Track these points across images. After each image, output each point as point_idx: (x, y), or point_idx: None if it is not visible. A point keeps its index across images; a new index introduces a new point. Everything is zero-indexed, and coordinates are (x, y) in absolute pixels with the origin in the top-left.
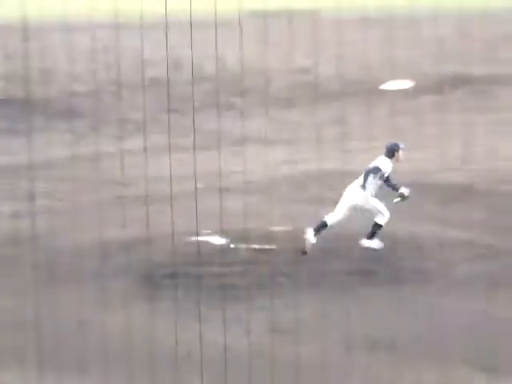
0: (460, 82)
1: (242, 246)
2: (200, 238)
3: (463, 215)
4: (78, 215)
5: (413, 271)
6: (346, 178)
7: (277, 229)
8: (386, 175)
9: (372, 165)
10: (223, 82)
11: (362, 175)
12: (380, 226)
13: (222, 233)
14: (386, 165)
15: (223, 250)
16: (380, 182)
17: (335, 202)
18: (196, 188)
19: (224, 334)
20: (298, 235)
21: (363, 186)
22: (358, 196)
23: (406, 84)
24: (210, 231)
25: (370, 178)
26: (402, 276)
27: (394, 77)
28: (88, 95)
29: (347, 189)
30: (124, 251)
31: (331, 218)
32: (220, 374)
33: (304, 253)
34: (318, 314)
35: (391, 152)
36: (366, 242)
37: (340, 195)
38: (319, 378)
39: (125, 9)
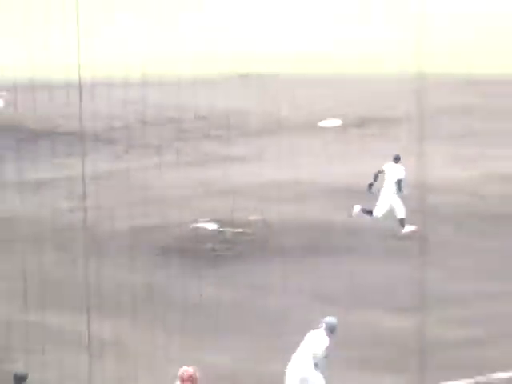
0: (372, 121)
1: (228, 229)
2: (199, 225)
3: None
4: (114, 211)
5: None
6: (296, 185)
7: (252, 218)
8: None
9: (393, 171)
10: (213, 120)
11: (395, 182)
12: (403, 218)
13: (215, 221)
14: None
15: (215, 232)
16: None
17: (288, 200)
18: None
19: (217, 288)
20: (266, 223)
21: (400, 191)
22: (393, 198)
23: (337, 122)
24: (206, 219)
25: (402, 183)
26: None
27: (328, 117)
28: (122, 129)
29: (382, 191)
30: (149, 234)
31: (376, 212)
32: (213, 314)
33: (350, 216)
34: (276, 274)
35: (399, 159)
36: (404, 229)
37: (293, 196)
38: (271, 319)
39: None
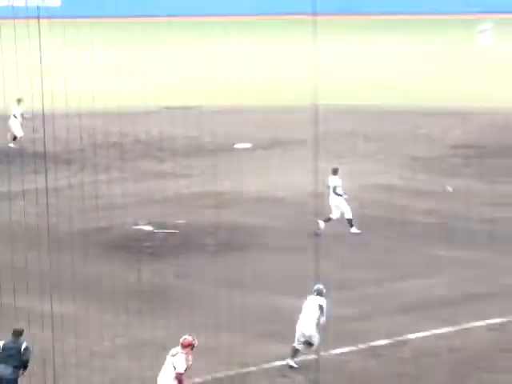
0: (277, 143)
1: (161, 230)
2: (138, 227)
3: None
4: (71, 216)
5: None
6: (216, 195)
7: (180, 221)
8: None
9: (332, 183)
10: (148, 144)
11: (336, 188)
12: (351, 219)
13: (151, 224)
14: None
15: (151, 233)
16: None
17: (208, 207)
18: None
19: (153, 276)
20: (192, 226)
21: (339, 195)
22: (337, 200)
23: (247, 145)
24: (144, 222)
25: (339, 189)
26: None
27: (241, 141)
28: (77, 152)
29: (330, 198)
30: (99, 234)
31: (334, 216)
32: (150, 298)
33: (317, 234)
34: (198, 265)
35: (336, 172)
36: (352, 229)
37: (213, 204)
38: (195, 301)
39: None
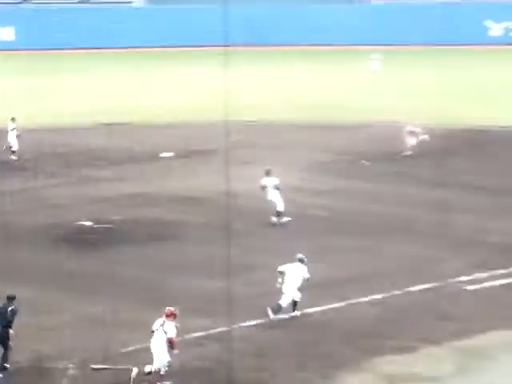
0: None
1: (100, 225)
2: (81, 223)
3: None
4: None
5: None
6: (145, 195)
7: (115, 218)
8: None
9: (269, 182)
10: (89, 154)
11: (275, 186)
12: (281, 211)
13: (91, 220)
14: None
15: (91, 227)
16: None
17: (139, 205)
18: None
19: (94, 262)
20: (125, 221)
21: (278, 189)
22: (275, 195)
23: (171, 154)
24: (86, 219)
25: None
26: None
27: (165, 151)
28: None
29: (269, 194)
30: (49, 228)
31: (279, 209)
32: (91, 280)
33: (275, 224)
34: (130, 253)
35: (270, 173)
36: (282, 219)
37: (142, 203)
38: (128, 283)
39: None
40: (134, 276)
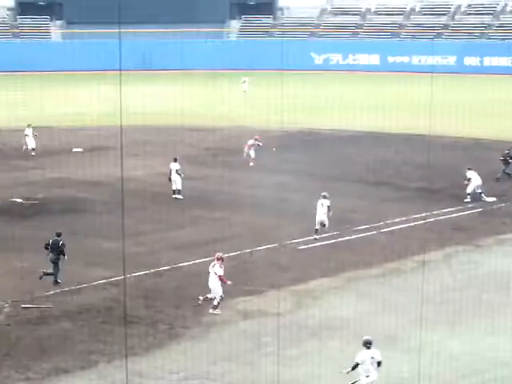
0: (98, 148)
1: (28, 201)
2: (13, 199)
3: None
4: None
5: None
6: (59, 179)
7: (39, 196)
8: None
9: (174, 166)
10: (20, 151)
11: (178, 170)
12: (180, 189)
13: (21, 197)
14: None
15: (21, 203)
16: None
17: (58, 187)
18: None
19: (25, 230)
20: (47, 198)
21: (179, 174)
22: (177, 177)
23: (80, 149)
24: (17, 197)
25: (180, 171)
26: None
27: (76, 147)
28: None
29: (172, 176)
30: None
31: (173, 187)
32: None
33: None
34: (54, 222)
35: (176, 160)
36: (179, 196)
37: (60, 185)
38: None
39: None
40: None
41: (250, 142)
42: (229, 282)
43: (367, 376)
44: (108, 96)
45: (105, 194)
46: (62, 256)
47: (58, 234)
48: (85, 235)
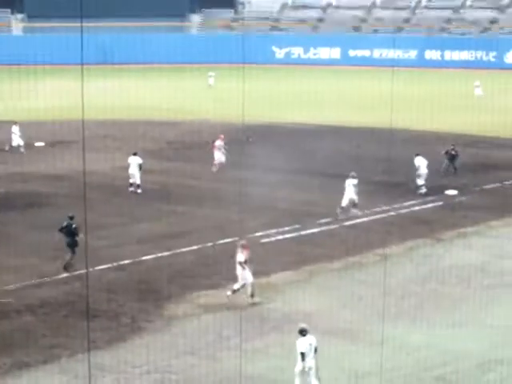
0: (60, 142)
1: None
2: None
3: None
4: None
5: None
6: (21, 174)
7: (1, 190)
8: None
9: (134, 161)
10: None
11: (139, 165)
12: (139, 184)
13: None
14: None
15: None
16: None
17: (22, 182)
18: None
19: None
20: (9, 193)
21: (140, 169)
22: (135, 171)
23: (42, 143)
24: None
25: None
26: None
27: (38, 141)
28: None
29: (130, 169)
30: None
31: (131, 181)
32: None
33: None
34: (14, 218)
35: (136, 154)
36: (138, 191)
37: (22, 180)
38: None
39: None
40: (16, 233)
41: (218, 142)
42: (246, 268)
43: (305, 362)
44: (70, 90)
45: (67, 187)
46: (77, 240)
47: (71, 218)
48: (47, 229)
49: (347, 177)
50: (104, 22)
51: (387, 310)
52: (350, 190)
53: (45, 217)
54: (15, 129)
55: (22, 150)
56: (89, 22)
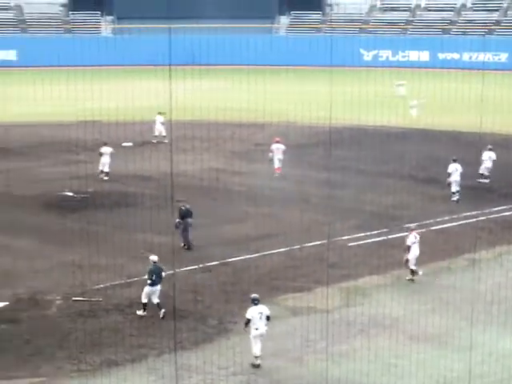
0: (148, 143)
1: (79, 195)
2: (64, 193)
3: None
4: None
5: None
6: (109, 174)
7: (89, 190)
8: None
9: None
10: (71, 144)
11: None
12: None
13: (71, 191)
14: None
15: (72, 196)
16: None
17: (110, 181)
18: None
19: (75, 222)
20: (96, 192)
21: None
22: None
23: (130, 143)
24: (67, 190)
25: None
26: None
27: (126, 141)
28: None
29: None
30: (41, 197)
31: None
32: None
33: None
34: (102, 217)
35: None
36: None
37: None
38: (99, 237)
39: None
40: (103, 232)
41: (276, 146)
42: (408, 257)
43: (256, 329)
44: (158, 91)
45: (154, 188)
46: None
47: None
48: (134, 229)
49: (451, 170)
50: (192, 23)
51: (476, 315)
52: (456, 175)
53: (132, 216)
54: (160, 119)
55: (165, 140)
56: (177, 23)
